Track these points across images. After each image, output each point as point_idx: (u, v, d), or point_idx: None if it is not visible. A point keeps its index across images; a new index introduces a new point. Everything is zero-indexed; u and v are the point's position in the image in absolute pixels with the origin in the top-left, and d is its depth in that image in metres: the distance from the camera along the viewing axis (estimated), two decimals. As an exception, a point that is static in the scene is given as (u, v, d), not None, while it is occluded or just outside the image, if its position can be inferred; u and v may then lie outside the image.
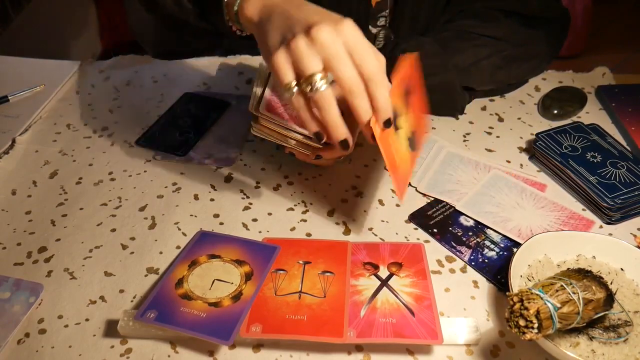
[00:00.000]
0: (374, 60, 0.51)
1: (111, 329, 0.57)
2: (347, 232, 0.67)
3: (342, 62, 0.50)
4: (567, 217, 0.67)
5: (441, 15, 0.84)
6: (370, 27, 0.85)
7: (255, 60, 0.95)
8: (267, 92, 0.70)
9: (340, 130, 0.55)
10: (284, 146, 0.70)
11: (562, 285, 0.51)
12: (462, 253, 0.64)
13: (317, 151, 0.69)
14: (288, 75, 0.52)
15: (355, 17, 0.81)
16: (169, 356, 0.55)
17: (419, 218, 0.68)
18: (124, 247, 0.66)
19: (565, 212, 0.68)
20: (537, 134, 0.76)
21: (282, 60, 0.52)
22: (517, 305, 0.49)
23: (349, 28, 0.51)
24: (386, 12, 0.83)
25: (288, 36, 0.51)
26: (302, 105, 0.54)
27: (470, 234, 0.67)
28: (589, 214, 0.69)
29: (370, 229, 0.68)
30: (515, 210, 0.68)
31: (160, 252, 0.65)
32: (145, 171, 0.76)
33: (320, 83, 0.51)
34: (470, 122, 0.84)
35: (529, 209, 0.69)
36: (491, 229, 0.66)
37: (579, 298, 0.50)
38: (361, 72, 0.51)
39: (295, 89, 0.53)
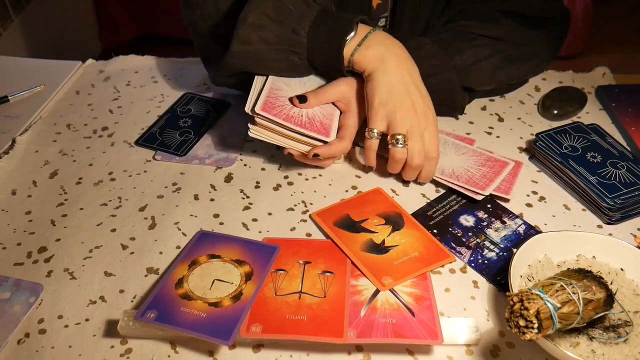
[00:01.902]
0: (437, 149, 0.70)
1: (111, 329, 0.57)
2: (347, 232, 0.67)
3: (417, 141, 0.69)
4: (484, 160, 0.74)
5: (440, 17, 0.84)
6: None
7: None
8: (264, 93, 0.70)
9: (394, 173, 0.73)
10: (283, 147, 0.71)
11: (562, 286, 0.51)
12: (462, 254, 0.64)
13: (315, 150, 0.69)
14: (381, 126, 0.69)
15: None
16: (169, 356, 0.55)
17: (419, 218, 0.68)
18: (124, 247, 0.66)
19: (482, 156, 0.75)
20: (537, 134, 0.76)
21: (381, 115, 0.69)
22: (517, 306, 0.49)
23: (432, 118, 0.70)
24: (387, 13, 0.83)
25: (390, 104, 0.68)
26: (373, 148, 0.71)
27: (470, 234, 0.67)
28: (588, 214, 0.69)
29: (370, 229, 0.68)
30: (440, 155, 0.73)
31: (160, 252, 0.65)
32: (145, 171, 0.76)
33: (401, 144, 0.69)
34: (470, 122, 0.84)
35: (450, 154, 0.76)
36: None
37: (579, 298, 0.50)
38: (426, 150, 0.69)
39: (376, 135, 0.70)
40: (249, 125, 0.69)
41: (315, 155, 0.70)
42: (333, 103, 0.74)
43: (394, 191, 0.73)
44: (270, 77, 0.73)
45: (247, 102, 0.69)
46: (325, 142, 0.70)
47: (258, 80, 0.73)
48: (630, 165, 0.72)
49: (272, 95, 0.70)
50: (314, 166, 0.76)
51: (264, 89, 0.70)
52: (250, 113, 0.68)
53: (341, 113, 0.75)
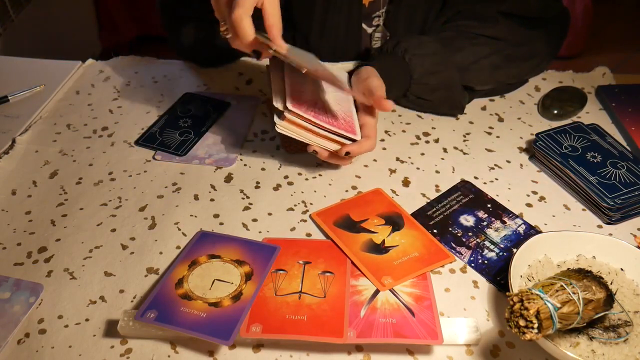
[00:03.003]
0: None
1: (111, 329, 0.57)
2: (347, 232, 0.67)
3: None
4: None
5: (438, 16, 0.84)
6: (364, 26, 0.85)
7: (255, 62, 0.95)
8: (288, 89, 0.70)
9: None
10: (305, 144, 0.70)
11: (562, 286, 0.51)
12: (462, 254, 0.64)
13: (346, 147, 0.69)
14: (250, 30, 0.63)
15: (348, 18, 0.82)
16: (169, 356, 0.55)
17: (419, 218, 0.68)
18: (124, 247, 0.66)
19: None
20: (537, 134, 0.76)
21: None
22: (517, 306, 0.49)
23: None
24: (380, 11, 0.83)
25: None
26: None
27: (470, 234, 0.67)
28: (588, 214, 0.69)
29: (370, 229, 0.68)
30: None
31: (160, 252, 0.65)
32: (145, 171, 0.76)
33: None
34: (470, 122, 0.84)
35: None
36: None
37: (579, 298, 0.50)
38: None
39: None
40: (275, 120, 0.69)
41: (347, 154, 0.70)
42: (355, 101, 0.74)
43: (394, 191, 0.73)
44: (285, 78, 0.73)
45: (273, 97, 0.69)
46: (352, 140, 0.70)
47: (275, 72, 0.73)
48: (630, 165, 0.72)
49: (295, 94, 0.70)
50: (317, 165, 0.76)
51: (285, 88, 0.70)
52: (281, 109, 0.68)
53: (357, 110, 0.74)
